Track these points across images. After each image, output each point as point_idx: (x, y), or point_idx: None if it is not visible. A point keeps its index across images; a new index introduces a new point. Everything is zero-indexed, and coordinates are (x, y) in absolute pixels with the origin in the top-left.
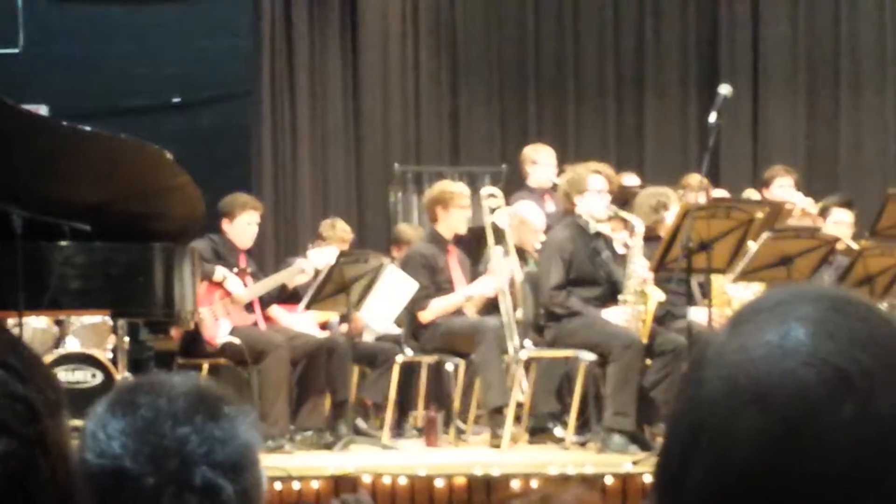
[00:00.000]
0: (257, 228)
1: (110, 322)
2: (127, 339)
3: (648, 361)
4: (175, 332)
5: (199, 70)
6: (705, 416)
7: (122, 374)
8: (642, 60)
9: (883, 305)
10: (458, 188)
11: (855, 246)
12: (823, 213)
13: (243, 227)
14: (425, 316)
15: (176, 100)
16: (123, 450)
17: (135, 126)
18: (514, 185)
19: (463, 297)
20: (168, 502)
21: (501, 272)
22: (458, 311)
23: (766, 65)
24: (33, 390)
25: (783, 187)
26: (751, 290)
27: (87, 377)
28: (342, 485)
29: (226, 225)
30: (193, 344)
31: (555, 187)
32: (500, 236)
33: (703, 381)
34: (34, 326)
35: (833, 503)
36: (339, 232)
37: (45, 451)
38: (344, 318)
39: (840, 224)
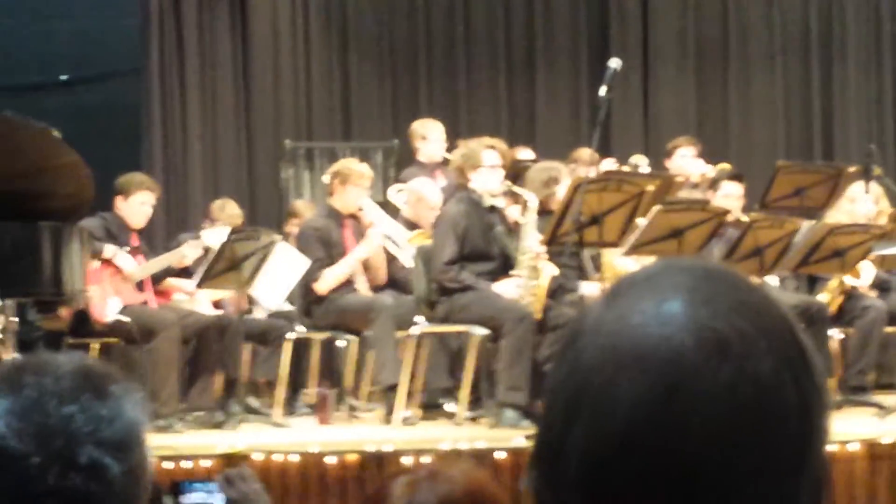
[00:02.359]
0: (151, 210)
1: None
2: (15, 319)
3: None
4: (64, 312)
5: (86, 47)
6: (585, 384)
7: (10, 355)
8: (533, 35)
9: (773, 277)
10: (360, 168)
11: (745, 218)
12: (714, 185)
13: (137, 206)
14: (320, 287)
15: (63, 77)
16: (8, 429)
17: (21, 104)
18: (405, 159)
19: (354, 260)
20: (53, 482)
21: (378, 221)
22: (352, 288)
23: (655, 39)
24: None
25: (685, 157)
26: (642, 264)
27: None
28: (233, 463)
29: (120, 202)
30: (83, 323)
31: (445, 162)
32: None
33: (582, 350)
34: None
35: (713, 464)
36: (228, 214)
37: None
38: (235, 296)
39: (730, 196)
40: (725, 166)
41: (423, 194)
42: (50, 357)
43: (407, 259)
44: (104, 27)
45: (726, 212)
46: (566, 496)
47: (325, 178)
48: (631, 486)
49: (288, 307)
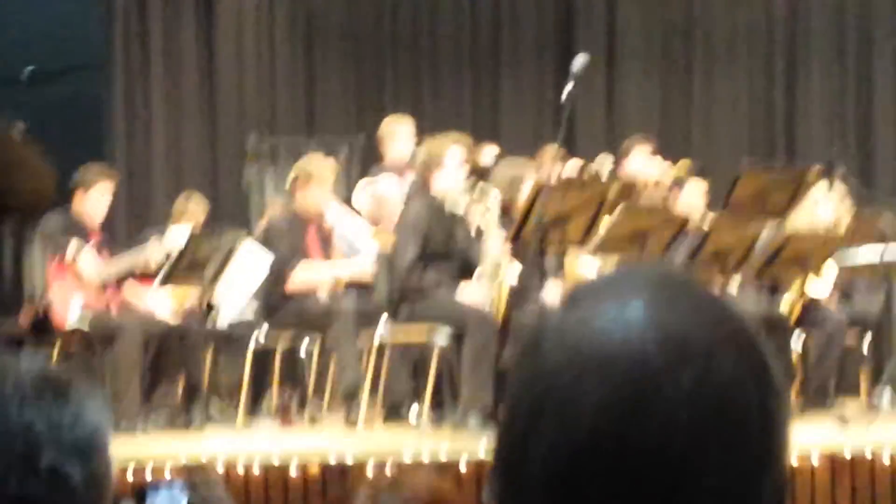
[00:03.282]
0: (110, 199)
1: None
2: None
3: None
4: (23, 315)
5: (47, 40)
6: (549, 387)
7: None
8: (498, 30)
9: (735, 280)
10: (324, 165)
11: (708, 219)
12: (679, 183)
13: (97, 198)
14: (294, 282)
15: (25, 71)
16: None
17: None
18: (371, 153)
19: (332, 275)
20: (13, 489)
21: (341, 227)
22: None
23: (620, 36)
24: None
25: (641, 156)
26: (605, 265)
27: None
28: (195, 473)
29: (80, 196)
30: (42, 326)
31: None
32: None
33: (544, 354)
34: None
35: (676, 468)
36: (193, 206)
37: None
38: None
39: (692, 196)
40: (686, 162)
41: (386, 195)
42: (9, 360)
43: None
44: (66, 20)
45: (687, 220)
46: (531, 501)
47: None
48: (597, 489)
49: (249, 317)
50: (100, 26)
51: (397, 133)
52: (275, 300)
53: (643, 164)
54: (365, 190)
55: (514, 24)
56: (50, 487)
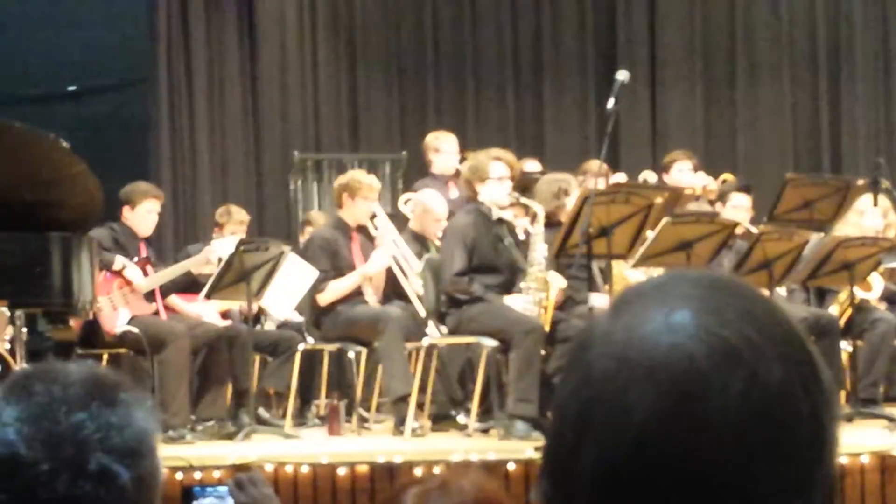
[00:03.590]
0: (157, 217)
1: (7, 313)
2: (25, 329)
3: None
4: (74, 323)
5: (94, 59)
6: (597, 394)
7: (20, 366)
8: (540, 46)
9: (781, 290)
10: (368, 180)
11: (754, 230)
12: (722, 197)
13: (144, 214)
14: (323, 298)
15: (71, 88)
16: (17, 436)
17: (30, 115)
18: (413, 170)
19: (359, 276)
20: (63, 489)
21: (387, 240)
22: (361, 300)
23: (662, 51)
24: None
25: (682, 171)
26: (650, 276)
27: None
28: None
29: (127, 213)
30: (92, 334)
31: (458, 174)
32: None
33: (592, 360)
34: None
35: (726, 472)
36: (234, 217)
37: None
38: (244, 307)
39: (738, 208)
40: (728, 177)
41: (429, 206)
42: (60, 365)
43: (414, 279)
44: (112, 38)
45: (735, 224)
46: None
47: (334, 190)
48: (645, 495)
49: (298, 318)
50: (145, 44)
51: (442, 146)
52: (320, 311)
53: (685, 178)
54: (408, 200)
55: (557, 39)
56: (99, 488)
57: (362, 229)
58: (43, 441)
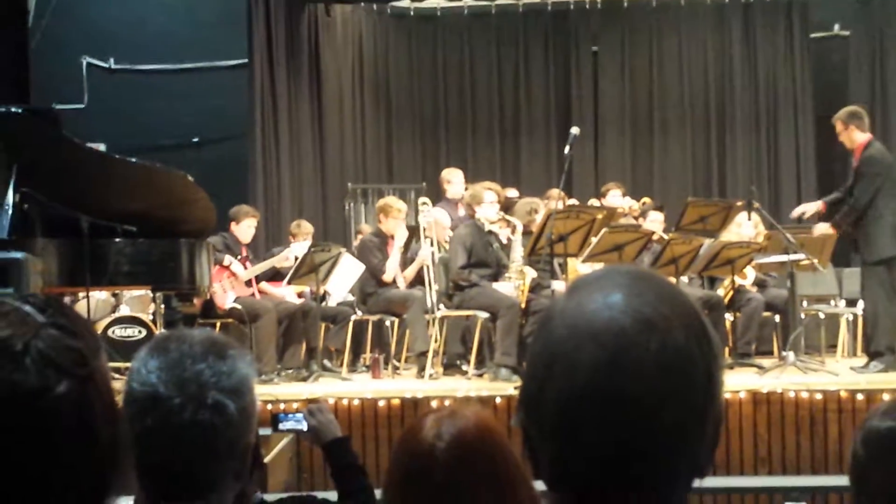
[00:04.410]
0: (254, 230)
1: (151, 294)
2: (163, 306)
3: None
4: (197, 301)
5: (210, 119)
6: (556, 352)
7: (159, 331)
8: (518, 110)
9: (684, 278)
10: (397, 204)
11: (665, 237)
12: (643, 214)
13: (245, 228)
14: (387, 276)
15: (195, 140)
16: (158, 380)
17: (166, 158)
18: (431, 196)
19: (397, 252)
20: (189, 416)
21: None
22: (395, 286)
23: (603, 112)
24: (80, 341)
25: (615, 196)
26: (593, 269)
27: (134, 333)
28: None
29: (233, 226)
30: (209, 309)
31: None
32: (423, 232)
33: (552, 329)
34: (97, 298)
35: (647, 407)
36: (304, 229)
37: (95, 386)
38: (314, 290)
39: (654, 222)
40: (647, 200)
41: (438, 219)
42: (186, 331)
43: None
44: (222, 105)
45: (652, 233)
46: (545, 431)
47: (376, 209)
48: (590, 422)
49: (350, 298)
50: (245, 107)
51: (452, 179)
52: (367, 292)
53: (617, 201)
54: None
55: (530, 105)
56: (214, 416)
57: (394, 237)
58: (175, 383)
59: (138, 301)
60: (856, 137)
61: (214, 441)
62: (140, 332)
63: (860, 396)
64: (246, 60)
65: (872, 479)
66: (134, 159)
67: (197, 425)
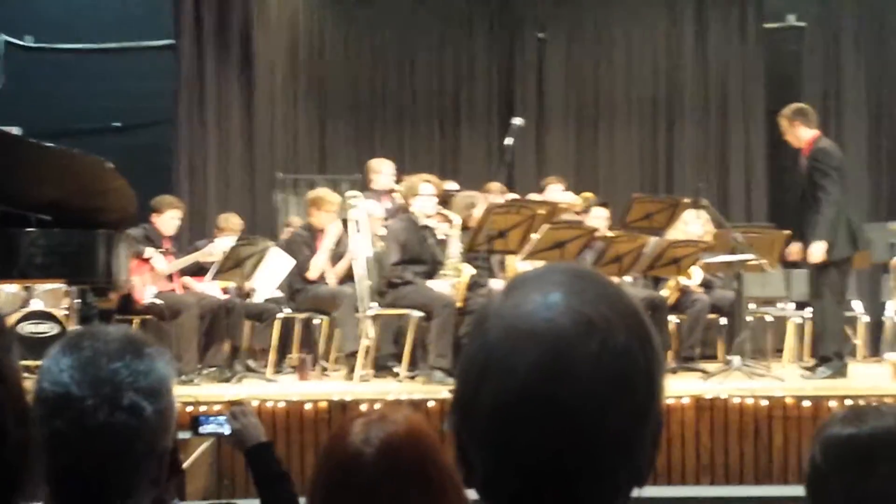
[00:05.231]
0: (179, 222)
1: (65, 287)
2: (77, 300)
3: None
4: (113, 296)
5: (133, 103)
6: (492, 354)
7: (73, 327)
8: (458, 99)
9: (627, 278)
10: (330, 196)
11: (609, 234)
12: (587, 210)
13: (168, 220)
14: (312, 274)
15: (116, 124)
16: (71, 379)
17: (84, 144)
18: (365, 187)
19: (325, 250)
20: (103, 418)
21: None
22: (324, 282)
23: (547, 102)
24: None
25: (555, 190)
26: (534, 266)
27: (47, 329)
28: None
29: (155, 217)
30: (127, 304)
31: (392, 190)
32: (357, 225)
33: (488, 330)
34: (7, 291)
35: (585, 411)
36: (231, 223)
37: (4, 385)
38: (239, 286)
39: (598, 218)
40: (588, 195)
41: (371, 212)
42: (102, 327)
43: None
44: (146, 88)
45: (595, 230)
46: (478, 436)
47: (306, 203)
48: (526, 428)
49: (278, 294)
50: (170, 94)
51: (381, 169)
52: (295, 289)
53: (554, 196)
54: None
55: (470, 93)
56: (130, 418)
57: (323, 231)
58: (89, 383)
59: (51, 295)
60: (801, 134)
61: (130, 445)
62: (52, 328)
63: (806, 403)
64: (173, 41)
65: (832, 488)
66: (50, 144)
67: (111, 427)
